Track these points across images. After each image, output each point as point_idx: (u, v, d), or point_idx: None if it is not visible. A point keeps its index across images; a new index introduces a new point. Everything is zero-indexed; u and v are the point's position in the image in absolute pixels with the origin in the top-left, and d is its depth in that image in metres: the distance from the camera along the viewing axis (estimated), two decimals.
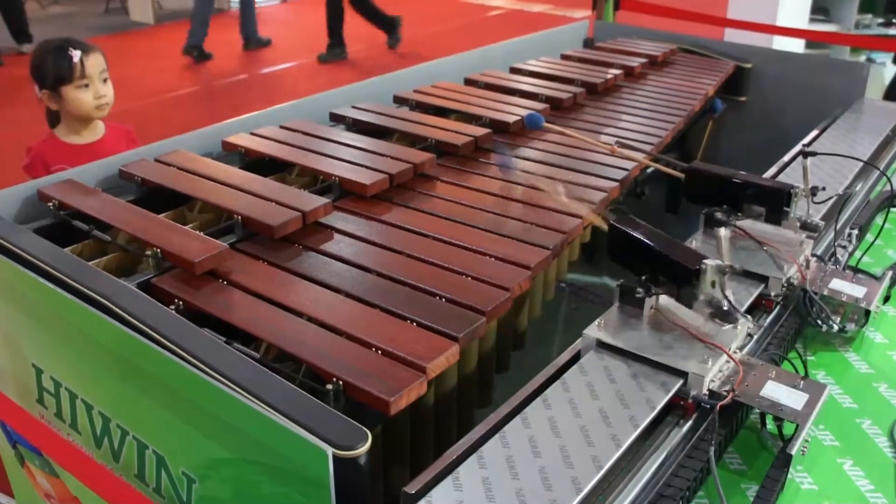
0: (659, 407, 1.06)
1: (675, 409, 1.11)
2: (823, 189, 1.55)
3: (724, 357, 1.14)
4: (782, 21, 4.83)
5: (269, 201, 1.44)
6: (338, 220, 1.46)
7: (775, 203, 1.50)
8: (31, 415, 1.31)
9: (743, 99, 2.73)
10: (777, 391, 1.12)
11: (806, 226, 1.51)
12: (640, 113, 2.17)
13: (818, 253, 1.53)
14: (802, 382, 1.14)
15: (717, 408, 1.08)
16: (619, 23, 3.22)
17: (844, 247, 1.61)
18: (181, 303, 1.20)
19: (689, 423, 1.10)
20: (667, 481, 1.01)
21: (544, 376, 1.12)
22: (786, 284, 1.38)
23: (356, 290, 1.23)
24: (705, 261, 1.17)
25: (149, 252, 1.28)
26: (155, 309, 1.11)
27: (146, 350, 1.03)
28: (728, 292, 1.20)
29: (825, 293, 1.39)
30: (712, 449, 1.05)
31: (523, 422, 1.01)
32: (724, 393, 1.10)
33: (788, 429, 1.11)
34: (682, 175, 1.61)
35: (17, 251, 1.23)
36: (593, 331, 1.19)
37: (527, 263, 1.33)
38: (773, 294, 1.37)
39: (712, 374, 1.12)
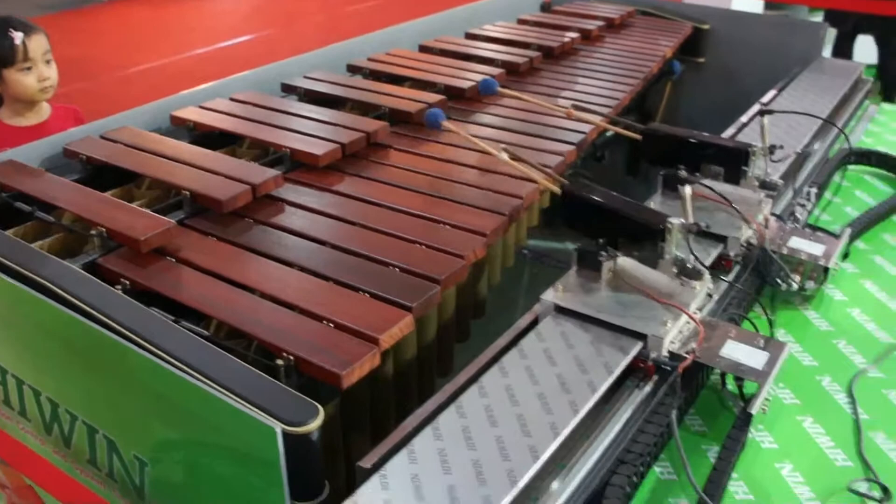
0: (618, 371, 1.05)
1: (635, 373, 1.10)
2: (781, 147, 1.54)
3: (685, 318, 1.13)
4: None
5: (218, 175, 1.40)
6: (289, 192, 1.43)
7: (733, 162, 1.49)
8: None
9: (701, 60, 2.71)
10: (737, 351, 1.12)
11: (764, 185, 1.49)
12: (597, 76, 2.15)
13: (777, 212, 1.52)
14: (763, 341, 1.14)
15: (679, 370, 1.07)
16: None
17: (803, 205, 1.61)
18: (128, 282, 1.16)
19: (650, 385, 1.09)
20: (627, 446, 1.00)
21: (501, 343, 1.11)
22: (745, 244, 1.37)
23: (309, 264, 1.20)
24: (670, 219, 1.16)
25: (94, 231, 1.24)
26: (100, 289, 1.07)
27: (91, 332, 0.99)
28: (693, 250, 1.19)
29: (784, 252, 1.39)
30: (674, 412, 1.04)
31: (480, 391, 0.99)
32: (685, 354, 1.09)
33: (749, 388, 1.11)
34: (639, 137, 1.59)
35: None
36: (550, 295, 1.17)
37: (482, 230, 1.30)
38: (732, 254, 1.36)
39: (672, 336, 1.11)
